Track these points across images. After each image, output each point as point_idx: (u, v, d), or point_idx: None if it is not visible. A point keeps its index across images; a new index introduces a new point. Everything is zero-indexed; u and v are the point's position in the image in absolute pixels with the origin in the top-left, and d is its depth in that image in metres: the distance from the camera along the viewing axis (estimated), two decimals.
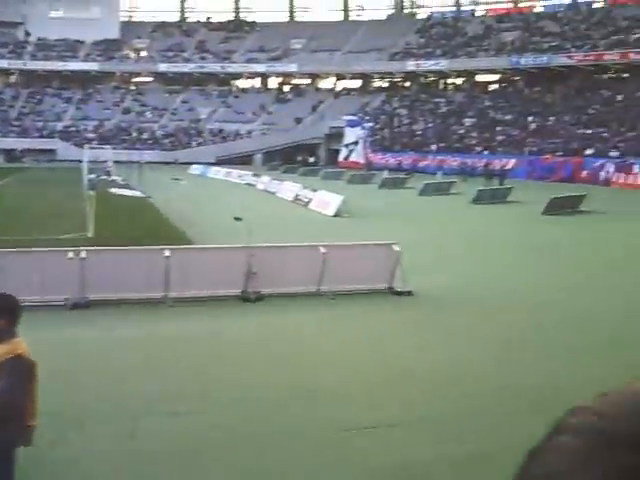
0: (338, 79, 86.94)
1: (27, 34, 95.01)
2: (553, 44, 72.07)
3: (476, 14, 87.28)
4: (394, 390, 9.38)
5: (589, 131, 59.49)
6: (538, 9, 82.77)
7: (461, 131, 68.88)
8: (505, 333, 12.36)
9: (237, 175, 55.19)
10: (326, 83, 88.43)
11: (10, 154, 79.65)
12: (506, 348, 11.39)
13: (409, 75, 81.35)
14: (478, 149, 63.43)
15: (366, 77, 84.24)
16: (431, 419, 8.37)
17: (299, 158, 73.94)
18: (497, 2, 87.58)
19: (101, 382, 9.44)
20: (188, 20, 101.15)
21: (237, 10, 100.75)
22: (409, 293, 15.10)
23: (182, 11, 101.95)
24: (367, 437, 7.86)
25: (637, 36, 66.17)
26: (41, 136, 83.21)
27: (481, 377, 9.91)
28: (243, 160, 72.12)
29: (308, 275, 14.91)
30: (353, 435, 7.91)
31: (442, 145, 66.31)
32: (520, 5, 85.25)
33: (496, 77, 77.99)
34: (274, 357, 10.88)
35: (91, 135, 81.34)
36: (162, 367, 10.28)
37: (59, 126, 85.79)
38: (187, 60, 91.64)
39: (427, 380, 9.74)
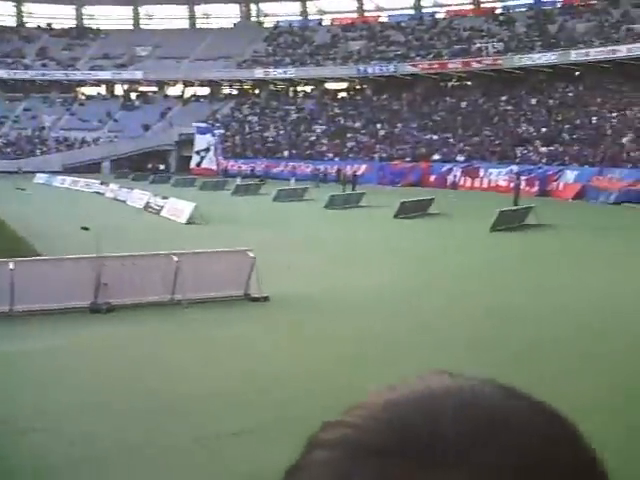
0: (186, 86, 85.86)
1: None
2: (398, 53, 73.70)
3: (323, 23, 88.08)
4: (248, 396, 9.23)
5: (435, 137, 61.13)
6: (383, 19, 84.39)
7: (312, 138, 69.32)
8: (359, 334, 12.44)
9: (84, 183, 53.47)
10: (174, 90, 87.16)
11: None
12: (359, 349, 11.48)
13: (258, 83, 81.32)
14: (329, 155, 63.99)
15: (215, 84, 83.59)
16: (290, 422, 8.04)
17: (149, 165, 72.27)
18: (343, 12, 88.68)
19: None
20: (27, 25, 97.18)
21: (80, 17, 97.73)
22: (265, 299, 15.12)
23: (19, 16, 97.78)
24: (227, 444, 7.68)
25: (478, 46, 68.61)
26: None
27: (331, 378, 9.81)
28: (91, 168, 69.78)
29: (162, 284, 14.72)
30: (211, 443, 7.71)
31: (294, 152, 66.49)
32: (366, 15, 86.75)
33: (345, 85, 79.05)
34: (124, 368, 10.57)
35: None
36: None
37: None
38: (28, 67, 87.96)
39: (281, 385, 9.62)
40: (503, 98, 63.80)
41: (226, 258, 16.26)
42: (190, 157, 69.95)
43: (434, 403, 0.58)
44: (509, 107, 62.10)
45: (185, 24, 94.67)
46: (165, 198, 36.17)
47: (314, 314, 14.28)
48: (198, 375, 10.30)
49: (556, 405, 0.56)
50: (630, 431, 7.85)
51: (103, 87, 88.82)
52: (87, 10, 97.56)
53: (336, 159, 62.12)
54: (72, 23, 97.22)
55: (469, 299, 15.55)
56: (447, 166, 52.95)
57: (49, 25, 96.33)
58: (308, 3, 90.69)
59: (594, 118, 52.93)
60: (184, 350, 11.69)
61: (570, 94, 59.46)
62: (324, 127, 70.76)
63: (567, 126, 53.57)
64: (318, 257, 21.45)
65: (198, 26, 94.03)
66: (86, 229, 25.24)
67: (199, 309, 14.44)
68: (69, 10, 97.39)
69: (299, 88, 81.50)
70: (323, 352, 11.31)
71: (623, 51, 56.09)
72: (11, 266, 13.73)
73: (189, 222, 30.85)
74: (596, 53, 58.27)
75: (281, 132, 72.32)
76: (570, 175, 44.58)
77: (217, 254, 16.62)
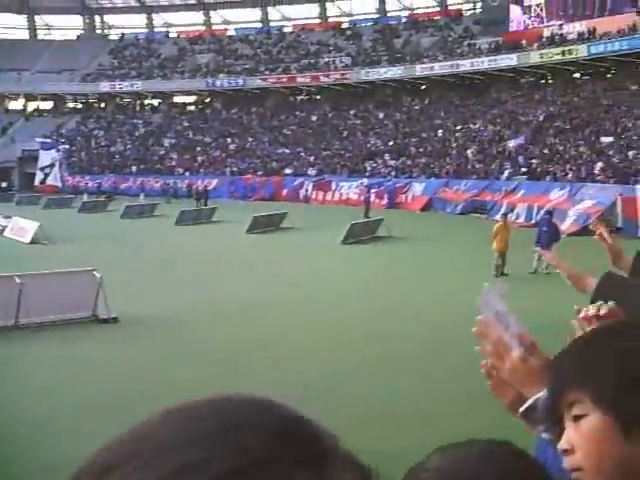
0: (28, 100, 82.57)
1: None
2: (247, 67, 73.60)
3: (170, 36, 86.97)
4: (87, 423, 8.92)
5: (287, 151, 61.31)
6: (231, 32, 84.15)
7: (161, 152, 68.07)
8: (207, 355, 12.52)
9: None
10: (16, 104, 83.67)
11: None
12: (206, 370, 11.41)
13: (104, 96, 79.25)
14: (179, 170, 63.00)
15: (59, 98, 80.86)
16: None
17: None
18: (190, 25, 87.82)
19: None
20: None
21: None
22: (115, 320, 14.97)
23: None
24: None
25: (326, 60, 69.39)
26: None
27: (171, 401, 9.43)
28: None
29: (4, 308, 14.10)
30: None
31: (142, 167, 65.08)
32: (213, 28, 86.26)
33: (193, 99, 78.20)
34: None
35: None
36: None
37: None
38: None
39: (121, 409, 9.20)
40: (352, 112, 64.78)
41: (72, 279, 15.84)
42: (34, 174, 67.22)
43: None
44: (358, 121, 63.08)
45: (25, 34, 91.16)
46: (8, 217, 35.10)
47: (162, 334, 14.21)
48: (46, 398, 10.15)
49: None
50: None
51: None
52: None
53: (186, 174, 61.31)
54: None
55: (318, 305, 16.56)
56: (299, 180, 53.17)
57: None
58: (154, 16, 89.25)
59: (440, 131, 54.47)
60: (24, 374, 11.48)
61: (416, 107, 61.02)
62: (173, 141, 69.70)
63: (414, 139, 54.87)
64: (168, 274, 21.39)
65: (39, 37, 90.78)
66: None
67: (46, 332, 14.07)
68: None
69: (146, 102, 79.95)
70: (168, 374, 11.22)
71: (466, 65, 58.08)
72: None
73: (33, 242, 30.01)
74: (440, 67, 60.03)
75: (129, 147, 70.67)
76: (418, 187, 45.65)
77: (62, 275, 16.14)
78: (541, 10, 56.15)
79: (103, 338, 14.02)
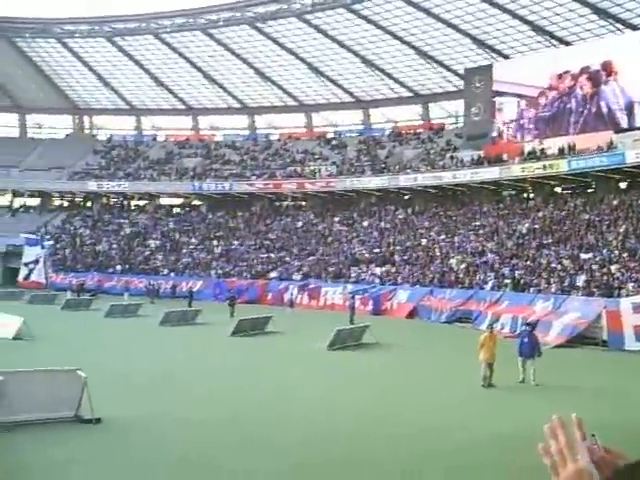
0: (15, 196, 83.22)
1: None
2: (234, 172, 74.74)
3: (157, 139, 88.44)
4: None
5: (272, 255, 61.75)
6: (218, 138, 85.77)
7: (146, 252, 68.25)
8: (187, 459, 12.55)
9: None
10: (2, 200, 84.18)
11: None
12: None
13: (91, 195, 79.90)
14: (164, 271, 63.16)
15: (45, 195, 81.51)
16: None
17: None
18: (178, 129, 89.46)
19: None
20: None
21: None
22: (98, 420, 14.74)
23: None
24: None
25: (312, 168, 70.73)
26: None
27: None
28: None
29: None
30: None
31: (127, 266, 65.27)
32: (201, 133, 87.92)
33: (180, 201, 78.91)
34: None
35: None
36: None
37: None
38: None
39: None
40: (336, 219, 65.62)
41: (55, 377, 15.59)
42: (18, 269, 67.12)
43: None
44: (343, 228, 63.82)
45: (15, 132, 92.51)
46: None
47: (144, 437, 14.12)
48: None
49: None
50: None
51: None
52: None
53: (171, 274, 61.45)
54: None
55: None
56: (284, 284, 53.43)
57: None
58: (142, 118, 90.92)
59: (424, 240, 55.18)
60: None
61: (400, 217, 61.92)
62: (158, 242, 69.98)
63: (398, 247, 55.50)
64: (152, 376, 21.33)
65: (29, 135, 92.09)
66: None
67: (23, 432, 13.82)
68: None
69: (133, 202, 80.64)
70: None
71: (448, 177, 59.33)
72: None
73: (16, 338, 29.85)
74: (423, 178, 61.29)
75: (114, 246, 70.79)
76: (403, 295, 46.01)
77: (45, 373, 15.87)
78: (521, 127, 57.97)
79: (85, 440, 13.82)
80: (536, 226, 49.38)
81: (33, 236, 68.49)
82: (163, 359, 25.37)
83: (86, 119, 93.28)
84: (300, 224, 67.09)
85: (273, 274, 57.48)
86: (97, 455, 12.77)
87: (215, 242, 67.53)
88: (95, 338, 31.18)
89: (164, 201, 79.52)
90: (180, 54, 78.12)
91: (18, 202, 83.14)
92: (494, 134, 59.81)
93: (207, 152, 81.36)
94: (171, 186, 75.43)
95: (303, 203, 71.86)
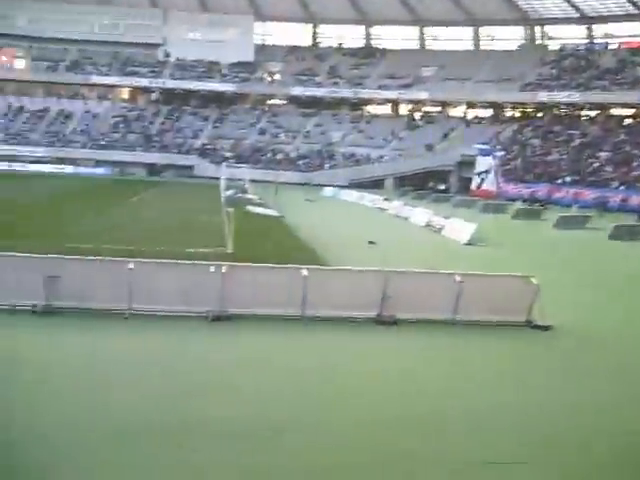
0: (468, 107, 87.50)
1: (166, 55, 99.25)
2: None
3: (609, 47, 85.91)
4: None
5: None
6: None
7: (596, 164, 67.88)
8: None
9: (369, 199, 55.51)
10: (456, 111, 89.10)
11: (151, 168, 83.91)
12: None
13: (541, 106, 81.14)
14: (614, 184, 62.23)
15: (497, 106, 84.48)
16: None
17: (430, 184, 74.59)
18: (631, 36, 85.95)
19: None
20: (320, 45, 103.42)
21: (368, 37, 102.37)
22: (547, 328, 14.87)
23: (314, 36, 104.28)
24: None
25: None
26: (179, 152, 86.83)
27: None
28: (374, 184, 73.43)
29: (444, 302, 14.89)
30: None
31: (576, 178, 65.51)
32: None
33: (631, 111, 76.69)
34: (418, 385, 11.21)
35: (227, 154, 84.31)
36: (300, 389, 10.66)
37: (197, 143, 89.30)
38: (319, 84, 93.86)
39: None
40: None
41: (509, 283, 15.79)
42: (470, 178, 70.32)
43: None
44: None
45: (469, 45, 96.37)
46: (446, 218, 36.67)
47: (603, 348, 14.14)
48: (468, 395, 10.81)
49: None
50: None
51: (388, 106, 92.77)
52: (375, 30, 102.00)
53: (622, 187, 60.86)
54: (361, 43, 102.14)
55: None
56: None
57: (340, 45, 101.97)
58: (594, 26, 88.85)
59: None
60: (453, 369, 12.18)
61: None
62: (609, 154, 69.26)
63: None
64: (600, 289, 20.84)
65: (482, 48, 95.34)
66: (373, 243, 27.77)
67: (478, 331, 14.67)
68: (358, 30, 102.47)
69: (583, 113, 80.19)
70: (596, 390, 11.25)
71: None
72: (305, 273, 14.50)
73: (469, 243, 30.97)
74: None
75: (563, 157, 71.48)
76: None
77: (499, 278, 16.22)
78: None
79: (539, 344, 14.09)
80: None
81: (486, 146, 71.18)
82: (612, 274, 24.36)
83: (537, 29, 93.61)
84: None
85: None
86: (547, 362, 12.99)
87: None
88: (545, 247, 31.51)
89: (615, 111, 77.85)
90: None
91: (471, 113, 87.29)
92: None
93: None
94: (622, 96, 73.60)
95: None
